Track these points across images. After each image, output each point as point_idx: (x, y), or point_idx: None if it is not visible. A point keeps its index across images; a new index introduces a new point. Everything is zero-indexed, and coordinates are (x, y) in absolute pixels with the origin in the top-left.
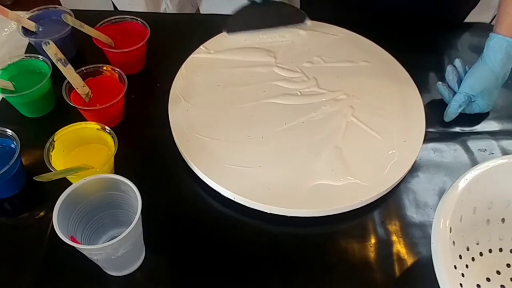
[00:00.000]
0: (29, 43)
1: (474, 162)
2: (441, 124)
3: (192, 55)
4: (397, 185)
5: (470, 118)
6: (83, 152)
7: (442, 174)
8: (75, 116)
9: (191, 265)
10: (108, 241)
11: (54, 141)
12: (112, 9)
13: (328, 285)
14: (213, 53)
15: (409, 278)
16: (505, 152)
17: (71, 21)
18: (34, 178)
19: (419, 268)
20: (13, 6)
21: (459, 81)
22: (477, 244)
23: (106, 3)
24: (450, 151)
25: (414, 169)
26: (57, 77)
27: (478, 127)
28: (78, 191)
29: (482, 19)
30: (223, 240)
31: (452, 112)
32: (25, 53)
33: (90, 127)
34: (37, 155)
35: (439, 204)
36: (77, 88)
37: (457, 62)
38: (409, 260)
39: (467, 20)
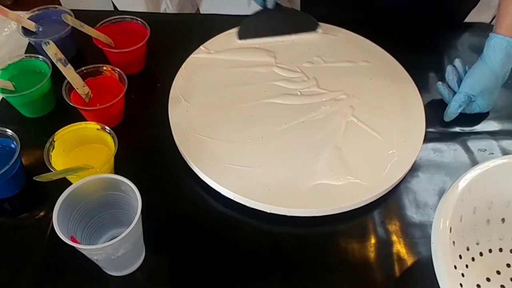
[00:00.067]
0: (29, 43)
1: (474, 162)
2: (441, 124)
3: (192, 55)
4: (397, 185)
5: (470, 118)
6: (83, 152)
7: (442, 174)
8: (75, 116)
9: (191, 265)
10: (108, 241)
11: (54, 141)
12: (112, 9)
13: (328, 285)
14: (213, 53)
15: (409, 278)
16: (505, 152)
17: (71, 21)
18: (34, 178)
19: (419, 268)
20: (13, 6)
21: (459, 81)
22: (477, 244)
23: (106, 3)
24: (450, 151)
25: (414, 169)
26: (57, 77)
27: (478, 127)
28: (78, 191)
29: (482, 19)
30: (223, 240)
31: (452, 112)
32: (25, 53)
33: (90, 127)
34: (37, 155)
35: (439, 204)
36: (77, 88)
37: (457, 62)
38: (409, 260)
39: (467, 20)
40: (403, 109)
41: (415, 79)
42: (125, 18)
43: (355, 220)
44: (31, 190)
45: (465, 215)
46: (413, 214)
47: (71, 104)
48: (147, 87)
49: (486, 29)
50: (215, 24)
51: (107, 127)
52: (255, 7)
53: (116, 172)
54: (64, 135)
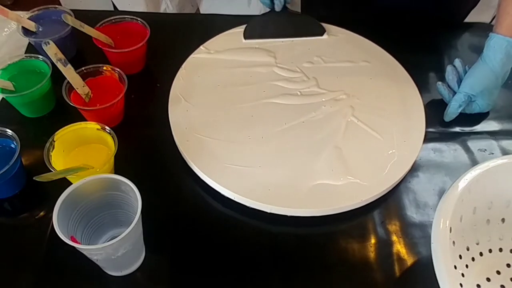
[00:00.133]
0: (29, 43)
1: (474, 162)
2: (441, 124)
3: (192, 55)
4: (397, 185)
5: (470, 118)
6: (83, 152)
7: (442, 174)
8: (75, 116)
9: (191, 265)
10: (108, 241)
11: (54, 141)
12: (112, 9)
13: (328, 285)
14: (213, 53)
15: (409, 278)
16: (505, 152)
17: (71, 21)
18: (34, 178)
19: (419, 268)
20: (13, 6)
21: (459, 81)
22: (477, 244)
23: (106, 3)
24: (450, 151)
25: (414, 169)
26: (57, 77)
27: (478, 127)
28: (78, 191)
29: (482, 19)
30: (223, 240)
31: (452, 112)
32: (25, 53)
33: (90, 127)
34: (37, 155)
35: (439, 204)
36: (77, 88)
37: (457, 62)
38: (409, 260)
39: (467, 20)
40: (403, 109)
41: (415, 79)
42: (125, 18)
43: (355, 220)
44: (31, 190)
45: (465, 215)
46: (413, 214)
47: (71, 104)
48: (147, 87)
49: (486, 29)
50: (215, 24)
51: (107, 127)
52: (255, 7)
53: (116, 172)
54: (64, 135)
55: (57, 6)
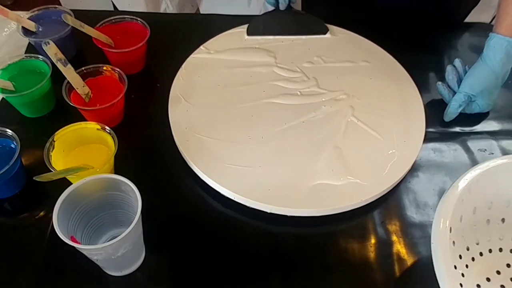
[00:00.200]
0: (29, 43)
1: (474, 162)
2: (441, 124)
3: (192, 55)
4: (397, 185)
5: (470, 118)
6: (83, 152)
7: (442, 174)
8: (75, 116)
9: (191, 265)
10: (108, 241)
11: (54, 141)
12: (112, 9)
13: (328, 285)
14: (213, 53)
15: (409, 278)
16: (505, 152)
17: (71, 21)
18: (34, 178)
19: (419, 268)
20: (13, 6)
21: (459, 81)
22: (477, 244)
23: (106, 3)
24: (450, 151)
25: (414, 169)
26: (57, 77)
27: (478, 127)
28: (78, 191)
29: (482, 19)
30: (223, 240)
31: (452, 111)
32: (25, 53)
33: (90, 127)
34: (37, 155)
35: (439, 204)
36: (77, 88)
37: (457, 62)
38: (409, 260)
39: (467, 20)
40: (403, 109)
41: (415, 79)
42: (125, 18)
43: (355, 220)
44: (31, 190)
45: (465, 215)
46: (413, 214)
47: (71, 104)
48: (147, 87)
49: (486, 29)
50: (215, 24)
51: (107, 127)
52: (255, 7)
53: (116, 172)
54: (64, 135)
55: (57, 6)
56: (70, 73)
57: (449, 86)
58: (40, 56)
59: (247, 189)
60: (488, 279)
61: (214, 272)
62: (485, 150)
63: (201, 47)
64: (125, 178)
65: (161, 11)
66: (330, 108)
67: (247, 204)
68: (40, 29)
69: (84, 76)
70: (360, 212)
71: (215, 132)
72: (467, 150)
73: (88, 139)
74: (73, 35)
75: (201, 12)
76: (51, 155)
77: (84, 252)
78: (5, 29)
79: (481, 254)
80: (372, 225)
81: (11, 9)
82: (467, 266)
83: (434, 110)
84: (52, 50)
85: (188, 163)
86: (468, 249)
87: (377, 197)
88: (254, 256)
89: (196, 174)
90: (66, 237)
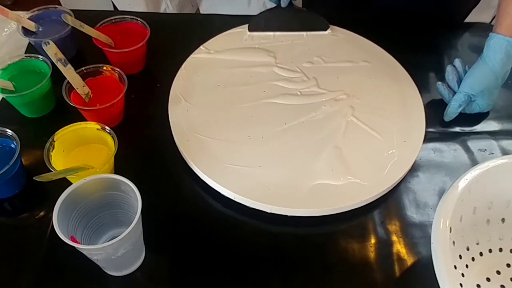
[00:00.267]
0: (29, 43)
1: (474, 162)
2: (441, 124)
3: (192, 55)
4: (397, 185)
5: (470, 118)
6: (83, 152)
7: (442, 174)
8: (75, 116)
9: (191, 265)
10: (108, 241)
11: (54, 141)
12: (112, 9)
13: (328, 285)
14: (213, 53)
15: (409, 278)
16: (505, 152)
17: (71, 21)
18: (34, 178)
19: (419, 268)
20: (13, 6)
21: (459, 81)
22: (477, 244)
23: (106, 3)
24: (450, 151)
25: (414, 169)
26: (57, 77)
27: (478, 127)
28: (78, 191)
29: (482, 19)
30: (223, 240)
31: (452, 111)
32: (25, 53)
33: (90, 127)
34: (37, 155)
35: (439, 204)
36: (77, 88)
37: (457, 62)
38: (409, 260)
39: (467, 20)
40: (403, 109)
41: (415, 79)
42: (125, 18)
43: (355, 220)
44: (31, 190)
45: (465, 215)
46: (413, 214)
47: (71, 104)
48: (147, 87)
49: (486, 29)
50: (215, 24)
51: (107, 127)
52: (255, 7)
53: (116, 172)
54: (64, 135)
55: (57, 6)
56: (70, 73)
57: (449, 86)
58: (40, 56)
59: (247, 189)
60: (488, 279)
61: (214, 272)
62: (485, 150)
63: (201, 47)
64: (125, 178)
65: (161, 11)
66: (330, 108)
67: (247, 204)
68: (40, 29)
69: (84, 76)
70: (360, 212)
71: (215, 132)
72: (467, 150)
73: (88, 139)
74: (73, 35)
75: (201, 12)
76: (51, 155)
77: (84, 252)
78: (5, 29)
79: (481, 254)
80: (372, 225)
81: (11, 9)
82: (467, 266)
83: (434, 110)
84: (52, 50)
85: (188, 163)
86: (468, 249)
87: (377, 197)
88: (254, 256)
89: (196, 174)
90: (66, 237)
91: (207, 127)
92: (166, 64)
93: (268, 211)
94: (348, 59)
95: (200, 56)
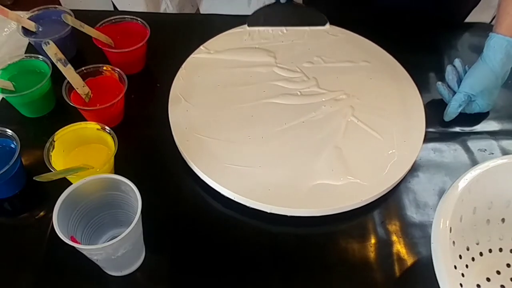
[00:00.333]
0: (29, 43)
1: (474, 162)
2: (441, 124)
3: (192, 55)
4: (397, 185)
5: (470, 118)
6: (83, 152)
7: (442, 174)
8: (75, 116)
9: (191, 265)
10: (108, 241)
11: (54, 141)
12: (112, 9)
13: (328, 285)
14: (213, 53)
15: (409, 278)
16: (505, 152)
17: (71, 21)
18: (34, 178)
19: (419, 268)
20: (13, 6)
21: (459, 81)
22: (477, 244)
23: (106, 3)
24: (450, 151)
25: (414, 169)
26: (57, 77)
27: (478, 127)
28: (78, 191)
29: (482, 19)
30: (223, 240)
31: (452, 111)
32: (25, 53)
33: (90, 127)
34: (37, 155)
35: (439, 204)
36: (77, 88)
37: (457, 62)
38: (409, 260)
39: (467, 20)
40: (403, 109)
41: (415, 79)
42: (125, 18)
43: (355, 220)
44: (31, 190)
45: (465, 215)
46: (413, 214)
47: (71, 104)
48: (147, 87)
49: (486, 29)
50: (215, 24)
51: (107, 127)
52: (255, 7)
53: (116, 172)
54: (64, 135)
55: (57, 6)
56: (70, 73)
57: (449, 86)
58: (40, 56)
59: (247, 189)
60: (488, 279)
61: (214, 272)
62: (485, 150)
63: (201, 47)
64: (125, 178)
65: (161, 11)
66: (330, 108)
67: (247, 204)
68: (40, 29)
69: (84, 76)
70: (360, 212)
71: (215, 132)
72: (467, 150)
73: (88, 139)
74: (73, 35)
75: (201, 12)
76: (51, 155)
77: (84, 252)
78: (5, 29)
79: (481, 254)
80: (372, 225)
81: (11, 9)
82: (467, 266)
83: (434, 110)
84: (52, 50)
85: (188, 163)
86: (468, 249)
87: (377, 197)
88: (254, 256)
89: (196, 174)
90: (66, 237)
91: (207, 127)
92: (166, 64)
93: (268, 211)
94: (348, 59)
95: (200, 56)
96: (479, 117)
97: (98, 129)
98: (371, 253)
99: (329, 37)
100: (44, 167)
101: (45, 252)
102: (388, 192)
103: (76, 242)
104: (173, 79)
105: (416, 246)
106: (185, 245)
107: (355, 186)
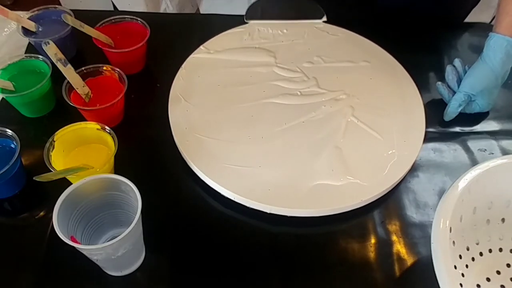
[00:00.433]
0: (29, 43)
1: (474, 162)
2: (441, 124)
3: (192, 55)
4: (397, 185)
5: (470, 118)
6: (83, 152)
7: (442, 174)
8: (75, 116)
9: (191, 265)
10: (108, 241)
11: (54, 141)
12: (112, 9)
13: (328, 285)
14: (213, 53)
15: (409, 278)
16: (505, 152)
17: (71, 21)
18: (34, 178)
19: (419, 268)
20: (13, 6)
21: (459, 81)
22: (477, 244)
23: (106, 3)
24: (450, 151)
25: (414, 169)
26: (57, 77)
27: (478, 127)
28: (78, 191)
29: (482, 19)
30: (223, 240)
31: (452, 111)
32: (25, 53)
33: (90, 127)
34: (37, 155)
35: (439, 204)
36: (77, 88)
37: (457, 62)
38: (409, 260)
39: (467, 20)
40: (403, 109)
41: (415, 79)
42: (125, 18)
43: (355, 220)
44: (31, 190)
45: (465, 215)
46: (413, 214)
47: (71, 104)
48: (147, 87)
49: (486, 29)
50: (215, 24)
51: (107, 127)
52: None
53: (116, 172)
54: (64, 135)
55: (57, 6)
56: (70, 73)
57: (449, 86)
58: (40, 56)
59: (247, 189)
60: (488, 279)
61: (214, 272)
62: (485, 150)
63: (201, 47)
64: (125, 178)
65: (161, 11)
66: (330, 108)
67: (247, 204)
68: (40, 29)
69: (84, 76)
70: (360, 212)
71: (215, 132)
72: (467, 150)
73: (88, 139)
74: (73, 35)
75: (201, 12)
76: (51, 155)
77: (84, 252)
78: (5, 29)
79: (481, 254)
80: (372, 225)
81: (11, 9)
82: (467, 266)
83: (434, 110)
84: (52, 50)
85: (188, 163)
86: (468, 249)
87: (377, 197)
88: (254, 256)
89: (196, 174)
90: (66, 237)
91: (207, 127)
92: (166, 64)
93: (268, 211)
94: (348, 59)
95: (200, 56)
96: (479, 117)
97: (98, 129)
98: (371, 253)
99: (329, 37)
100: (44, 167)
101: (45, 252)
102: (388, 192)
103: (76, 242)
104: (173, 79)
105: (416, 246)
106: (185, 245)
107: (355, 186)
